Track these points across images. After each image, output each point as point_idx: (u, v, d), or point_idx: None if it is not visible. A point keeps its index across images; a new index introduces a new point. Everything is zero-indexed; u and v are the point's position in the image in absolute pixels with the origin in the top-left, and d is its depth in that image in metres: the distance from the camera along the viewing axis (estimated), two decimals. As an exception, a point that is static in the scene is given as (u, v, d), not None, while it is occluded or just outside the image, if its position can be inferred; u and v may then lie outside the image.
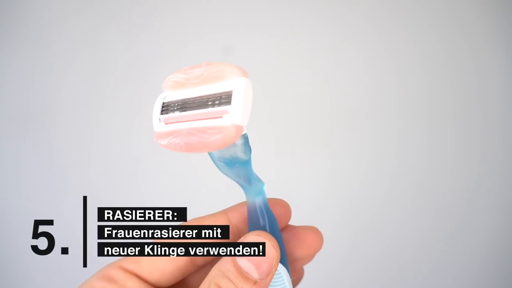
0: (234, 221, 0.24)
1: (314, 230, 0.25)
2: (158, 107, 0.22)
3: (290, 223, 0.26)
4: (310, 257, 0.25)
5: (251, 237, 0.21)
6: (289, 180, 0.61)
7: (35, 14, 0.58)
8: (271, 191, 0.25)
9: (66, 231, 0.60)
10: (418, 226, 0.64)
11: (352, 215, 0.63)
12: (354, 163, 0.63)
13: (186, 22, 0.59)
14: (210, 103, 0.20)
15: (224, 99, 0.19)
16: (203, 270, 0.25)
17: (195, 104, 0.20)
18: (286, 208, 0.25)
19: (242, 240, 0.21)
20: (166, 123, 0.21)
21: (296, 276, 0.26)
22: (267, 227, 0.23)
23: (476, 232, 0.64)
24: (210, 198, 0.61)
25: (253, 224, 0.23)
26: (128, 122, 0.60)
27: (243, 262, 0.20)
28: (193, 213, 0.57)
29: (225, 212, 0.25)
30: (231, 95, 0.19)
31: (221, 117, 0.19)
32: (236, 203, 0.25)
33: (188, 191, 0.61)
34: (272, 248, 0.21)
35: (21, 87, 0.58)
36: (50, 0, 0.58)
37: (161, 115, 0.22)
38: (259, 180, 0.23)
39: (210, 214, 0.24)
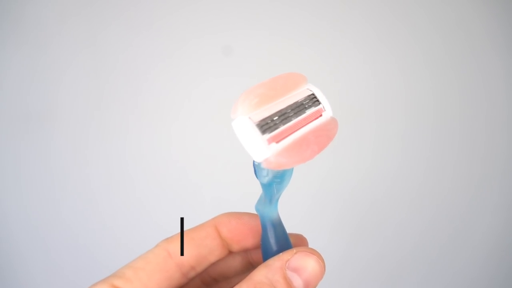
0: (223, 235, 0.24)
1: (301, 238, 0.26)
2: (254, 132, 0.19)
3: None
4: None
5: (303, 254, 0.21)
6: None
7: (35, 14, 0.58)
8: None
9: (65, 231, 0.60)
10: (418, 226, 0.64)
11: (353, 214, 0.63)
12: (354, 162, 0.63)
13: (186, 21, 0.59)
14: (304, 108, 0.21)
15: (311, 102, 0.22)
16: (190, 282, 0.25)
17: (294, 112, 0.21)
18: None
19: (292, 255, 0.21)
20: (277, 142, 0.19)
21: None
22: (289, 240, 0.23)
23: (476, 233, 0.64)
24: (210, 198, 0.61)
25: (278, 237, 0.23)
26: (128, 122, 0.60)
27: (294, 276, 0.21)
28: (192, 213, 0.57)
29: (213, 224, 0.24)
30: (315, 97, 0.22)
31: (321, 115, 0.22)
32: (221, 214, 0.25)
33: (187, 190, 0.61)
34: (323, 268, 0.21)
35: (21, 87, 0.58)
36: (50, 0, 0.58)
37: (265, 135, 0.19)
38: None
39: (198, 226, 0.24)
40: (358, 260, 0.63)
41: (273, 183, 0.22)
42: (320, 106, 0.22)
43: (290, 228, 0.25)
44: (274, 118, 0.20)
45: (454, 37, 0.63)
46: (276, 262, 0.21)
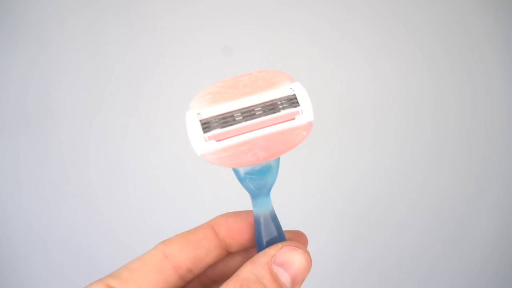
0: (221, 235, 0.24)
1: (300, 234, 0.25)
2: (196, 127, 0.19)
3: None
4: None
5: (288, 248, 0.21)
6: (289, 178, 0.61)
7: (35, 14, 0.58)
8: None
9: (65, 231, 0.60)
10: (418, 226, 0.64)
11: (353, 214, 0.63)
12: (354, 161, 0.63)
13: (186, 21, 0.59)
14: (275, 108, 0.20)
15: (288, 103, 0.20)
16: (189, 284, 0.24)
17: (262, 111, 0.20)
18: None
19: (278, 250, 0.21)
20: (218, 140, 0.19)
21: None
22: (283, 235, 0.23)
23: (476, 233, 0.64)
24: (210, 198, 0.61)
25: (269, 232, 0.23)
26: (128, 122, 0.60)
27: (281, 271, 0.21)
28: (193, 213, 0.57)
29: (210, 225, 0.24)
30: (294, 98, 0.20)
31: (293, 118, 0.20)
32: (218, 215, 0.25)
33: (188, 190, 0.61)
34: (309, 262, 0.21)
35: (21, 87, 0.58)
36: (50, 0, 0.58)
37: (208, 133, 0.19)
38: None
39: (196, 228, 0.24)
40: (358, 260, 0.63)
41: (246, 179, 0.21)
42: (297, 108, 0.20)
43: (290, 228, 0.25)
44: (225, 117, 0.19)
45: (454, 37, 0.63)
46: (262, 257, 0.21)
